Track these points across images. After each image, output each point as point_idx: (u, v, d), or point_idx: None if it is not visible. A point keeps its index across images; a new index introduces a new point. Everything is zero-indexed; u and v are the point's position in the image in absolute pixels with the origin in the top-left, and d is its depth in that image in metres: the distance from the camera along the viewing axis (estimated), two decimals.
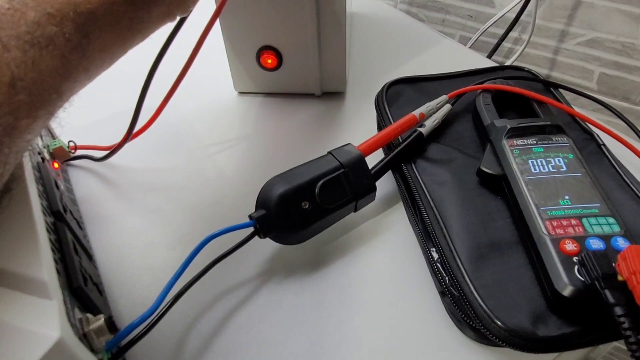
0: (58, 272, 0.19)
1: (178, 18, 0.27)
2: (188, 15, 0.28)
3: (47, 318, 0.16)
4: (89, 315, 0.20)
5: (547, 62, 0.64)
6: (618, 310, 0.21)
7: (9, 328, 0.15)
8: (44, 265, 0.17)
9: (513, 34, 0.64)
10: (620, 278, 0.23)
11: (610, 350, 0.71)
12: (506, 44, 0.67)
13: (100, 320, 0.20)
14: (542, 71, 0.66)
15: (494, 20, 0.62)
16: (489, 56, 0.66)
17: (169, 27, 0.27)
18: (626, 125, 0.39)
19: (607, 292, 0.22)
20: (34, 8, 0.18)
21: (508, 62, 0.65)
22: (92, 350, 0.19)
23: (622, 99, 0.62)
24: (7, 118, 0.16)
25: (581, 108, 0.44)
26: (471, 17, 0.67)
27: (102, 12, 0.20)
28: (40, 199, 0.22)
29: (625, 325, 0.21)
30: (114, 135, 0.35)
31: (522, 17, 0.61)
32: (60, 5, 0.19)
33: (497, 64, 0.49)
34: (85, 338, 0.19)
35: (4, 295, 0.16)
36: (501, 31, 0.64)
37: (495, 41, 0.65)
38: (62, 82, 0.19)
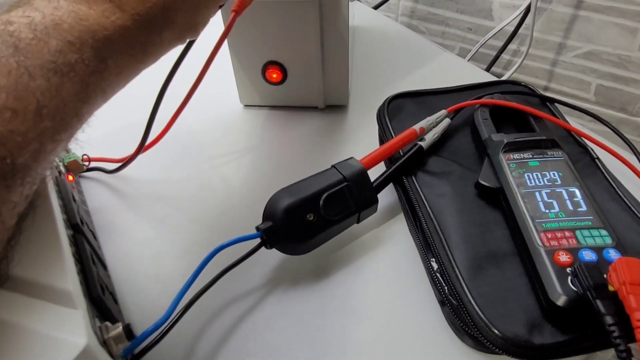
0: (79, 283, 0.20)
1: (187, 40, 0.28)
2: (196, 38, 0.29)
3: (74, 326, 0.17)
4: (108, 324, 0.21)
5: (546, 73, 0.66)
6: (608, 320, 0.23)
7: (40, 335, 0.16)
8: (69, 277, 0.18)
9: (512, 46, 0.66)
10: (611, 288, 0.24)
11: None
12: (505, 56, 0.68)
13: (119, 328, 0.21)
14: (540, 82, 0.67)
15: (493, 33, 0.64)
16: (488, 68, 0.67)
17: (180, 46, 0.28)
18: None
19: (599, 302, 0.23)
20: (55, 37, 0.19)
21: (507, 74, 0.66)
22: (111, 356, 0.20)
23: (619, 109, 0.63)
24: (34, 144, 0.17)
25: (579, 119, 0.45)
26: (470, 29, 0.69)
27: (118, 38, 0.21)
28: (61, 213, 0.23)
29: (615, 334, 0.22)
30: (124, 147, 0.37)
31: (521, 30, 0.63)
32: (80, 33, 0.20)
33: (495, 78, 0.50)
34: (104, 344, 0.20)
35: (34, 305, 0.18)
36: (500, 43, 0.65)
37: (494, 53, 0.67)
38: (82, 106, 0.20)
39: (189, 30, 0.26)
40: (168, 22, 0.24)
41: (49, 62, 0.18)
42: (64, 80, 0.18)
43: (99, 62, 0.20)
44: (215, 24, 0.35)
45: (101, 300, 0.22)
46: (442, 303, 0.29)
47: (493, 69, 0.68)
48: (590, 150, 0.35)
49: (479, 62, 0.69)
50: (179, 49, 0.29)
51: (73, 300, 0.18)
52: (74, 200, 0.29)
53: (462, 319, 0.27)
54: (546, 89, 0.67)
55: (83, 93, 0.20)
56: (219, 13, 0.32)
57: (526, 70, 0.67)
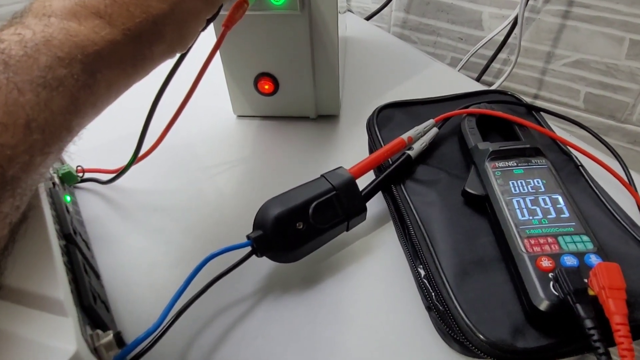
0: (71, 291, 0.21)
1: (178, 55, 0.29)
2: (187, 52, 0.30)
3: (64, 334, 0.17)
4: (99, 331, 0.22)
5: (535, 82, 0.67)
6: (588, 323, 0.23)
7: (30, 343, 0.17)
8: (60, 286, 0.19)
9: (502, 55, 0.67)
10: (591, 293, 0.24)
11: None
12: (496, 65, 0.69)
13: (110, 335, 0.21)
14: (530, 91, 0.68)
15: (483, 43, 0.65)
16: (479, 77, 0.68)
17: (173, 59, 0.29)
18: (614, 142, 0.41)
19: (579, 306, 0.24)
20: (45, 53, 0.19)
21: (498, 82, 0.67)
22: None
23: (608, 117, 0.64)
24: (24, 157, 0.18)
25: (569, 125, 0.46)
26: (461, 39, 0.70)
27: (108, 52, 0.21)
28: (54, 223, 0.24)
29: (595, 337, 0.23)
30: (118, 158, 0.37)
31: (510, 40, 0.64)
32: (69, 49, 0.20)
33: (484, 87, 0.51)
34: (95, 352, 0.20)
35: (25, 313, 0.18)
36: (490, 53, 0.66)
37: (485, 62, 0.68)
38: (72, 119, 0.20)
39: (178, 43, 0.26)
40: (157, 36, 0.24)
41: (38, 77, 0.19)
42: (53, 94, 0.19)
43: (89, 77, 0.21)
44: (208, 37, 0.35)
45: (92, 309, 0.22)
46: (429, 309, 0.30)
47: (484, 77, 0.69)
48: (574, 158, 0.36)
49: (471, 70, 0.70)
50: (171, 61, 0.30)
51: (64, 308, 0.18)
52: (68, 210, 0.29)
53: (448, 324, 0.27)
54: (536, 96, 0.68)
55: (72, 106, 0.20)
56: (211, 27, 0.33)
57: (516, 78, 0.68)
